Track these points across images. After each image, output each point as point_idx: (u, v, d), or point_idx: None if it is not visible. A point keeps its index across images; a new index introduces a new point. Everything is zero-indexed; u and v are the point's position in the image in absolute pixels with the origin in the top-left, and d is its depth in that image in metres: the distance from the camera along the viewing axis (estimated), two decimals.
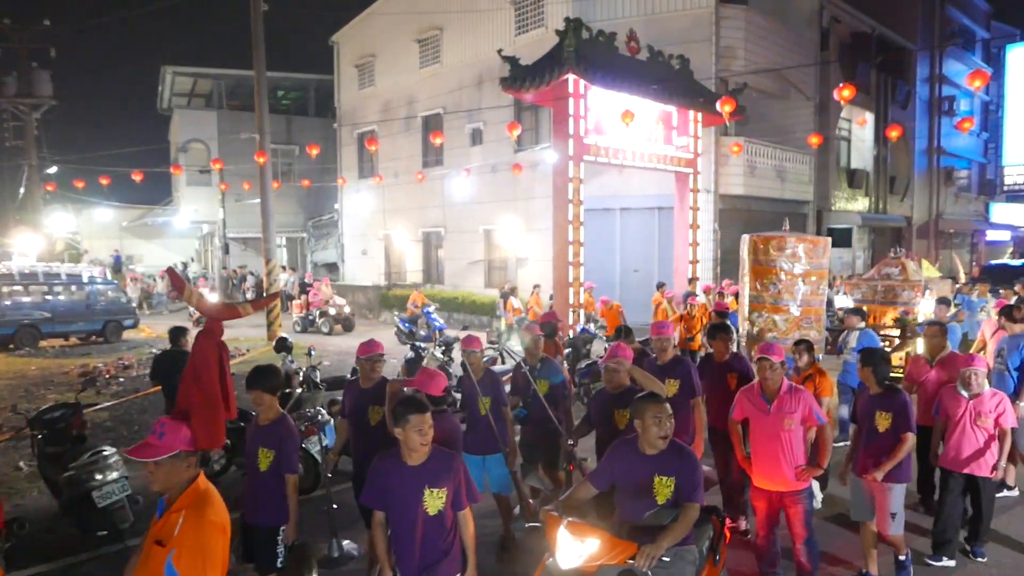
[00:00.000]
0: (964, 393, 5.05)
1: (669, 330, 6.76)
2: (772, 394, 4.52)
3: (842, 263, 22.34)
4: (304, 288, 21.32)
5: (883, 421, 4.61)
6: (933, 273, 10.82)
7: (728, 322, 7.61)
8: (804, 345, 6.04)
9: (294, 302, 20.61)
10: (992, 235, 32.98)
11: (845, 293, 11.37)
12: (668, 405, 3.61)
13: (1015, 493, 6.42)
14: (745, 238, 8.16)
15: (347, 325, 19.08)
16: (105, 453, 5.78)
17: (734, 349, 6.87)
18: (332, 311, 19.09)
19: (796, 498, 4.40)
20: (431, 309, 16.13)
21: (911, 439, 4.57)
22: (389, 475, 3.35)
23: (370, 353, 4.99)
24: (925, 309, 10.24)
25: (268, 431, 4.21)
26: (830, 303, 13.19)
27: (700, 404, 5.49)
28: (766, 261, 8.01)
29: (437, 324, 15.62)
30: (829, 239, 8.19)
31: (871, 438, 4.67)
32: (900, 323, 10.21)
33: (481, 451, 5.10)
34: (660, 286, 13.31)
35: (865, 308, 10.02)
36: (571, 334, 11.91)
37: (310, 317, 19.07)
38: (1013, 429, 5.10)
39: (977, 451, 5.02)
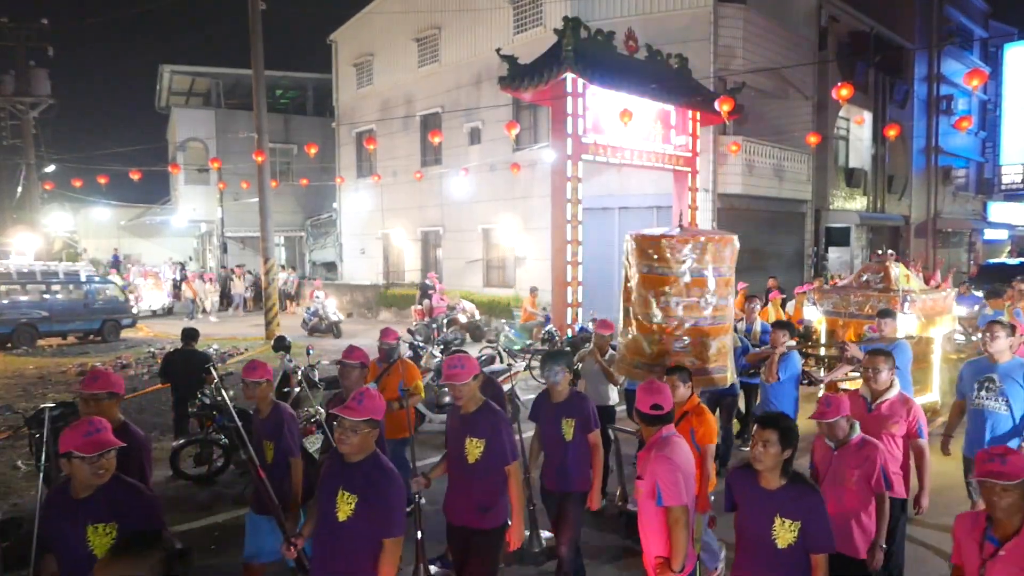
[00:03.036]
0: (829, 443, 3.92)
1: (610, 328, 6.67)
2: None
3: (840, 263, 22.38)
4: (425, 292, 17.94)
5: (784, 532, 3.08)
6: (913, 284, 9.11)
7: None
8: (679, 374, 4.65)
9: (414, 307, 18.10)
10: (990, 234, 33.02)
11: (815, 302, 9.51)
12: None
13: None
14: (628, 238, 6.00)
15: (476, 335, 16.40)
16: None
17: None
18: (462, 318, 16.40)
19: None
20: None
21: (823, 566, 3.11)
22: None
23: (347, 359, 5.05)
24: (901, 326, 8.08)
25: (267, 423, 4.30)
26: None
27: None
28: (658, 268, 5.76)
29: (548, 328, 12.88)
30: (735, 237, 5.96)
31: (760, 551, 3.18)
32: (840, 345, 7.98)
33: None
34: None
35: (840, 322, 9.01)
36: (569, 333, 11.92)
37: (434, 324, 15.74)
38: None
39: (839, 520, 3.67)
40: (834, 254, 22.19)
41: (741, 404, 8.13)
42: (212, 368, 6.34)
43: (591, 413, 4.47)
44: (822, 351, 9.26)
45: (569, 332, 11.97)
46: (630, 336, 5.90)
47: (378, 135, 23.27)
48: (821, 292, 9.69)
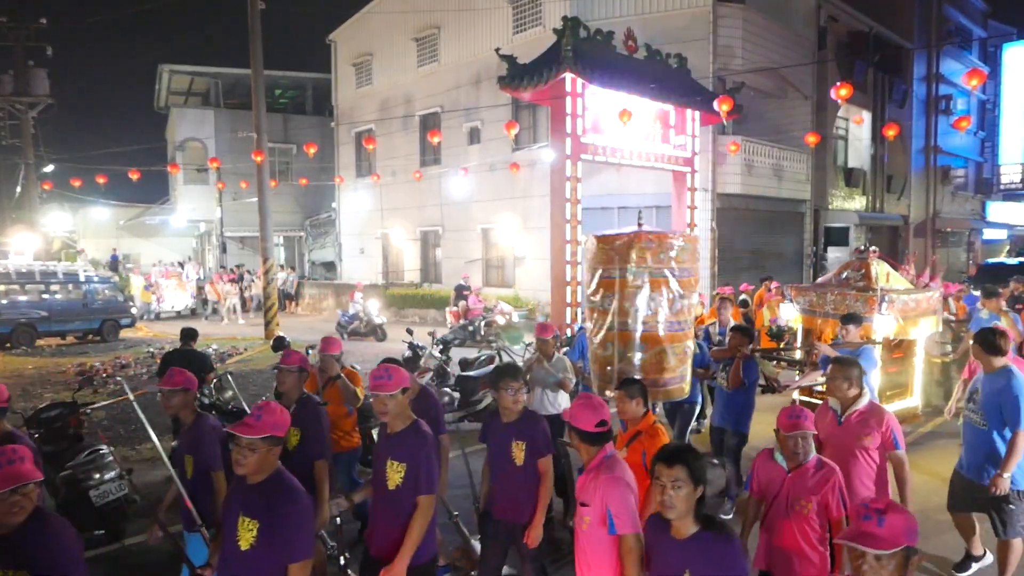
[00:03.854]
0: (782, 462, 3.54)
1: (550, 331, 6.29)
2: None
3: (839, 262, 22.39)
4: (461, 293, 17.34)
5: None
6: (895, 283, 8.58)
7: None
8: (629, 388, 4.16)
9: (449, 309, 17.52)
10: (989, 234, 33.04)
11: (792, 300, 8.95)
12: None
13: (988, 560, 5.04)
14: (588, 238, 5.63)
15: (514, 338, 15.10)
16: (102, 452, 5.79)
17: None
18: (500, 319, 15.44)
19: None
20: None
21: None
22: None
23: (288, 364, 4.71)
24: (880, 327, 7.84)
25: (186, 436, 4.14)
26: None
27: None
28: (616, 270, 5.25)
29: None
30: (698, 238, 5.75)
31: None
32: (808, 347, 7.76)
33: None
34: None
35: (818, 321, 8.39)
36: (568, 333, 11.91)
37: (471, 328, 15.07)
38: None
39: (790, 554, 3.38)
40: (833, 254, 22.20)
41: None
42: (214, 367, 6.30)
43: (544, 436, 4.06)
44: (798, 354, 8.61)
45: (568, 331, 11.96)
46: (595, 344, 5.55)
47: (377, 135, 23.28)
48: (798, 289, 9.12)
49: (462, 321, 15.77)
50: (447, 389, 8.96)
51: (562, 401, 6.18)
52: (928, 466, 6.91)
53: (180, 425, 4.19)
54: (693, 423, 7.18)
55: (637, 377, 4.76)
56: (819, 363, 6.83)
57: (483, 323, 15.21)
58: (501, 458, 4.09)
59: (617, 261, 5.21)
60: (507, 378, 4.09)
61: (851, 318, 6.62)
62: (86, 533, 5.47)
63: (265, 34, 16.96)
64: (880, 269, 8.48)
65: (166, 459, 4.06)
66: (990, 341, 4.63)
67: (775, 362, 8.94)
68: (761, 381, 6.96)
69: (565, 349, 9.57)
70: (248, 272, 24.62)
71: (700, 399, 7.12)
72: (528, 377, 6.30)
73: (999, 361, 4.57)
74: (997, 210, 32.72)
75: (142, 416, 4.26)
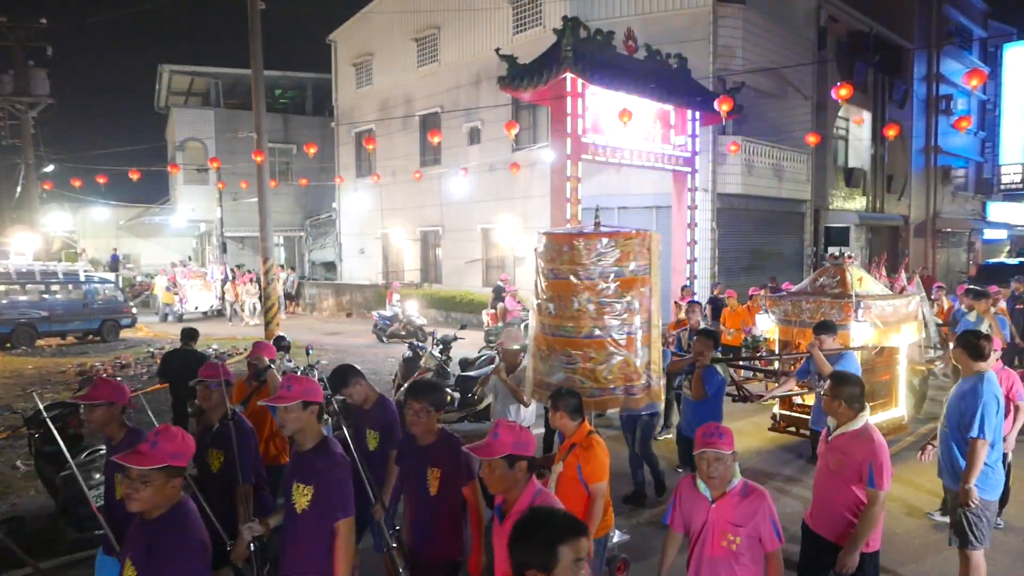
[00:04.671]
0: (705, 491, 3.16)
1: (517, 338, 5.73)
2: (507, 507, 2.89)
3: None
4: (499, 295, 16.48)
5: None
6: (869, 288, 8.14)
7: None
8: (563, 400, 3.93)
9: (487, 311, 16.80)
10: (989, 234, 33.05)
11: (767, 310, 8.62)
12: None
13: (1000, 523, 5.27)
14: (539, 237, 5.24)
15: None
16: (102, 452, 5.78)
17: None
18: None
19: None
20: None
21: None
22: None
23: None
24: (858, 335, 7.46)
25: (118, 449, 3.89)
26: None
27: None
28: (567, 271, 4.86)
29: None
30: (658, 236, 5.09)
31: None
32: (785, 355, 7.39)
33: None
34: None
35: (793, 331, 8.03)
36: None
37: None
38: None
39: None
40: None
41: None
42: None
43: (462, 461, 3.51)
44: (776, 364, 8.28)
45: None
46: (533, 351, 5.09)
47: (377, 135, 23.28)
48: (772, 298, 8.72)
49: (500, 324, 15.17)
50: (447, 389, 8.94)
51: (526, 415, 5.77)
52: (911, 478, 6.79)
53: (108, 441, 3.82)
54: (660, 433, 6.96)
55: (601, 386, 4.63)
56: (796, 374, 6.57)
57: (523, 325, 14.78)
58: (414, 485, 3.65)
59: (570, 261, 4.81)
60: (411, 395, 3.61)
61: (824, 327, 6.38)
62: (86, 533, 5.47)
63: (265, 34, 16.91)
64: (854, 274, 8.14)
65: (80, 479, 3.62)
66: (974, 344, 4.40)
67: (754, 373, 8.80)
68: (732, 389, 6.66)
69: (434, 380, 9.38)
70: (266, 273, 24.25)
71: (660, 408, 6.62)
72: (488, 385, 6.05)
73: (979, 366, 4.37)
74: (997, 210, 32.72)
75: (151, 415, 4.21)
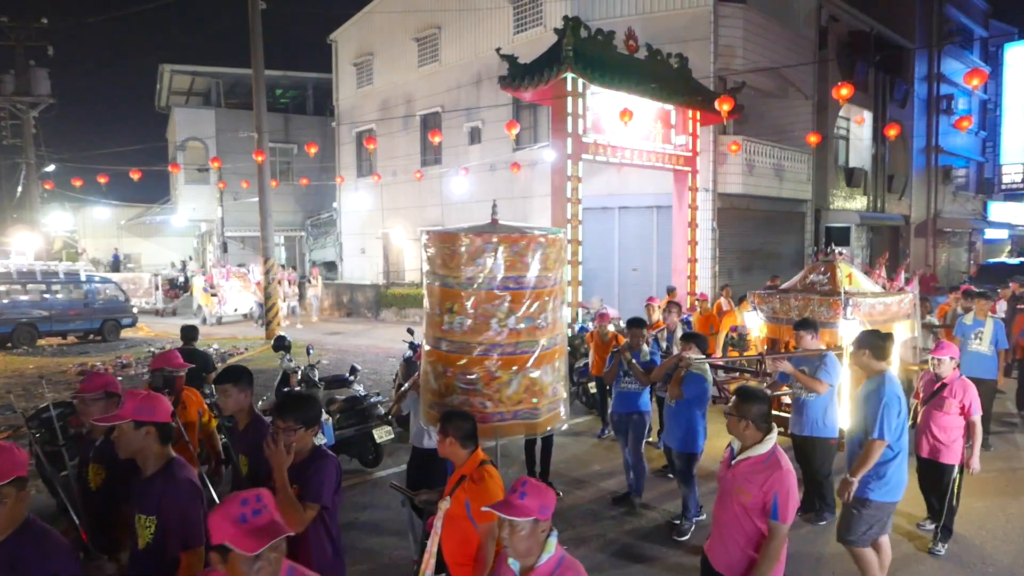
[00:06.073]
0: (514, 566, 2.58)
1: (174, 359, 4.97)
2: None
3: None
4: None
5: None
6: (859, 286, 7.91)
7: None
8: (446, 425, 3.51)
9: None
10: (990, 233, 33.03)
11: (756, 307, 8.43)
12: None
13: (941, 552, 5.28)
14: (424, 240, 4.62)
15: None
16: None
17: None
18: (611, 327, 13.48)
19: None
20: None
21: None
22: None
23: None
24: (845, 333, 7.26)
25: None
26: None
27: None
28: (452, 276, 4.28)
29: None
30: (563, 239, 4.61)
31: None
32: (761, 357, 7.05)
33: None
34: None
35: (782, 329, 7.76)
36: (569, 333, 11.90)
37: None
38: None
39: None
40: None
41: None
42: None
43: (322, 480, 3.09)
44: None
45: (569, 331, 11.94)
46: (426, 368, 4.48)
47: (378, 135, 23.28)
48: (760, 295, 8.50)
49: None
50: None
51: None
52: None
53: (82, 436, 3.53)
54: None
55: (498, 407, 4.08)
56: (779, 377, 6.38)
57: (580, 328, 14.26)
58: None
59: (465, 268, 4.18)
60: (275, 413, 3.22)
61: (805, 324, 6.21)
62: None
63: (266, 34, 16.98)
64: (844, 272, 7.94)
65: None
66: (876, 345, 4.42)
67: (738, 373, 8.63)
68: (713, 391, 6.47)
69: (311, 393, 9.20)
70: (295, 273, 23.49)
71: (650, 408, 6.56)
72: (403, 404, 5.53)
73: (881, 366, 4.39)
74: (998, 210, 32.69)
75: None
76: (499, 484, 3.36)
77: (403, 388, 5.68)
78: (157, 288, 24.47)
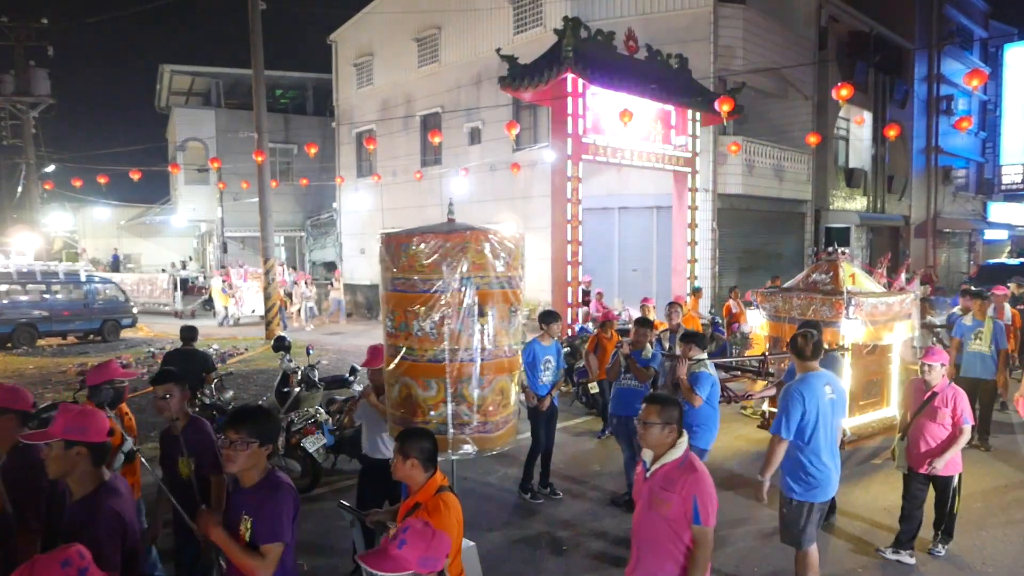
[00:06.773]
0: None
1: (380, 358, 4.64)
2: None
3: None
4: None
5: None
6: (862, 286, 7.95)
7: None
8: (404, 446, 3.13)
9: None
10: (990, 234, 33.01)
11: (758, 305, 8.39)
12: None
13: (912, 561, 5.20)
14: (381, 240, 4.35)
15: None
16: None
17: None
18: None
19: None
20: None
21: None
22: None
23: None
24: (849, 332, 7.26)
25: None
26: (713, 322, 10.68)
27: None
28: (403, 279, 4.06)
29: None
30: (521, 239, 4.26)
31: None
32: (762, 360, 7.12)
33: None
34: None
35: (784, 328, 7.74)
36: (569, 333, 11.92)
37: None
38: None
39: None
40: None
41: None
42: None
43: (279, 513, 2.84)
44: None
45: (569, 332, 11.95)
46: (399, 383, 4.11)
47: (378, 135, 23.28)
48: (764, 294, 8.47)
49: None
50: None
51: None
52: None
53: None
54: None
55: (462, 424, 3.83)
56: (784, 377, 6.27)
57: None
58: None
59: (407, 268, 3.98)
60: (228, 423, 2.91)
61: (807, 325, 6.01)
62: None
63: (266, 34, 16.98)
64: (846, 271, 7.96)
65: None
66: (798, 347, 4.38)
67: (740, 372, 8.62)
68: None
69: (566, 350, 9.44)
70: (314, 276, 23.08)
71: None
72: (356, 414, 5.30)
73: (808, 365, 4.35)
74: (998, 210, 32.70)
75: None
76: (456, 516, 3.08)
77: (355, 398, 5.44)
78: (176, 289, 23.95)
